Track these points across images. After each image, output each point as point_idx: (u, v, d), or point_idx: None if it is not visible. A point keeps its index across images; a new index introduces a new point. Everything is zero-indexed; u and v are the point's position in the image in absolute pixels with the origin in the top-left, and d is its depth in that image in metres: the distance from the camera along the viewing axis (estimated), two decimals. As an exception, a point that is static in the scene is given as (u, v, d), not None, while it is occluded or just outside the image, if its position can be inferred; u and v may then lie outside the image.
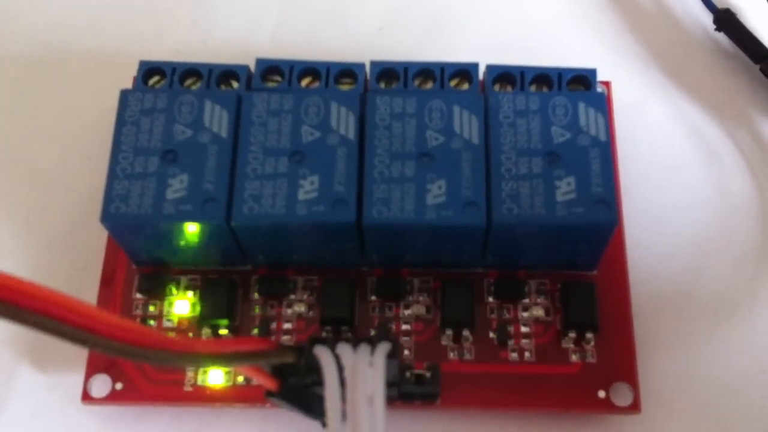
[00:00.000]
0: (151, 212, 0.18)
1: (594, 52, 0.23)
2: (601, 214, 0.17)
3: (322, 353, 0.16)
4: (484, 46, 0.23)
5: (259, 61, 0.20)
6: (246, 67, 0.20)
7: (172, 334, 0.19)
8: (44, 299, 0.14)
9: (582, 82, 0.20)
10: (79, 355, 0.19)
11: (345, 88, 0.20)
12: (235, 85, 0.20)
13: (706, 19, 0.23)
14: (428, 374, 0.17)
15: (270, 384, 0.16)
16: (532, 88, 0.20)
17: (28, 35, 0.23)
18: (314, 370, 0.16)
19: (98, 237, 0.20)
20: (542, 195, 0.18)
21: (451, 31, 0.23)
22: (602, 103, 0.19)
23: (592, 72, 0.20)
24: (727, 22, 0.22)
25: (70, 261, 0.21)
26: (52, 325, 0.14)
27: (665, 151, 0.21)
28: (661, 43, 0.23)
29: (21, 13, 0.23)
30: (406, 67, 0.20)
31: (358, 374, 0.15)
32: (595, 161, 0.18)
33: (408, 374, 0.18)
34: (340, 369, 0.15)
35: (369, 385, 0.15)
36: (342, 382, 0.15)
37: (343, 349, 0.16)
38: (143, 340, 0.14)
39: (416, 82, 0.20)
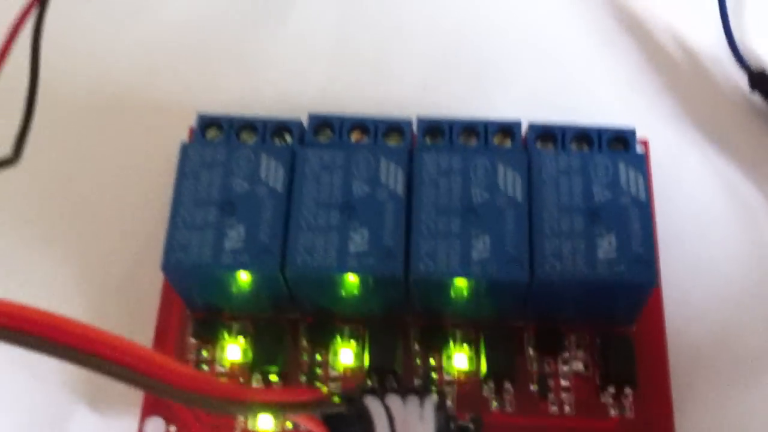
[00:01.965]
0: (210, 261, 0.19)
1: (631, 110, 0.23)
2: (641, 273, 0.18)
3: (373, 404, 0.17)
4: (525, 101, 0.23)
5: (312, 117, 0.21)
6: (299, 122, 0.21)
7: (223, 379, 0.20)
8: (102, 342, 0.15)
9: (621, 141, 0.20)
10: (134, 397, 0.20)
11: (393, 143, 0.21)
12: (288, 138, 0.21)
13: (742, 79, 0.23)
14: (471, 426, 0.18)
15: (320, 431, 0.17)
16: (573, 146, 0.20)
17: (88, 83, 0.24)
18: (364, 420, 0.16)
19: (153, 282, 0.21)
20: (584, 253, 0.18)
21: (493, 87, 0.24)
22: (642, 165, 0.19)
23: (632, 132, 0.20)
24: (762, 82, 0.23)
25: (125, 305, 0.21)
26: (109, 367, 0.15)
27: (701, 207, 0.22)
28: (697, 101, 0.23)
29: (81, 62, 0.24)
30: (451, 123, 0.21)
31: (410, 427, 0.16)
32: (635, 221, 0.19)
33: (452, 426, 0.18)
34: (391, 420, 0.16)
35: (419, 437, 0.16)
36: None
37: (393, 401, 0.17)
38: (199, 386, 0.15)
39: (461, 138, 0.21)
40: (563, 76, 0.24)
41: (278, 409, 0.16)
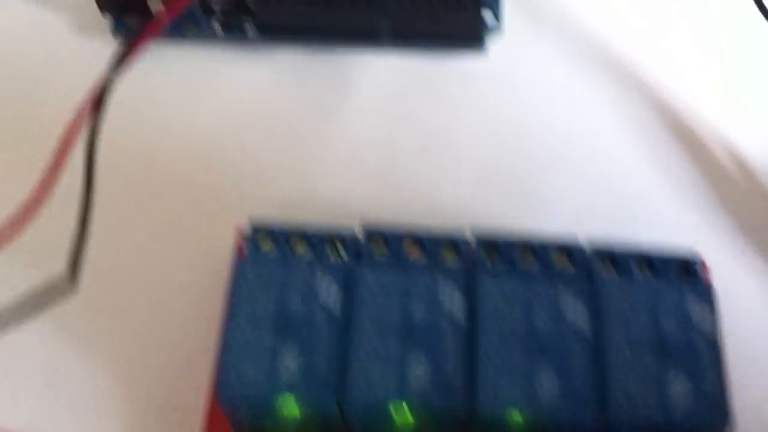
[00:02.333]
0: (265, 392, 0.18)
1: (686, 225, 0.23)
2: (715, 416, 0.18)
3: None
4: (576, 215, 0.23)
5: (366, 230, 0.20)
6: (352, 233, 0.20)
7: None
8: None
9: (685, 266, 0.20)
10: None
11: (448, 257, 0.20)
12: (342, 250, 0.20)
13: (800, 194, 0.23)
14: None
15: None
16: (635, 269, 0.20)
17: (137, 186, 0.24)
18: None
19: (196, 399, 0.21)
20: (654, 393, 0.18)
21: (544, 199, 0.23)
22: (711, 298, 0.19)
23: (695, 257, 0.20)
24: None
25: (167, 421, 0.21)
26: None
27: (762, 334, 0.21)
28: (757, 222, 0.23)
29: (131, 165, 0.24)
30: (508, 241, 0.20)
31: None
32: (705, 359, 0.18)
33: None
34: None
35: None
36: None
37: None
38: None
39: (518, 255, 0.20)
40: (614, 189, 0.23)
41: None
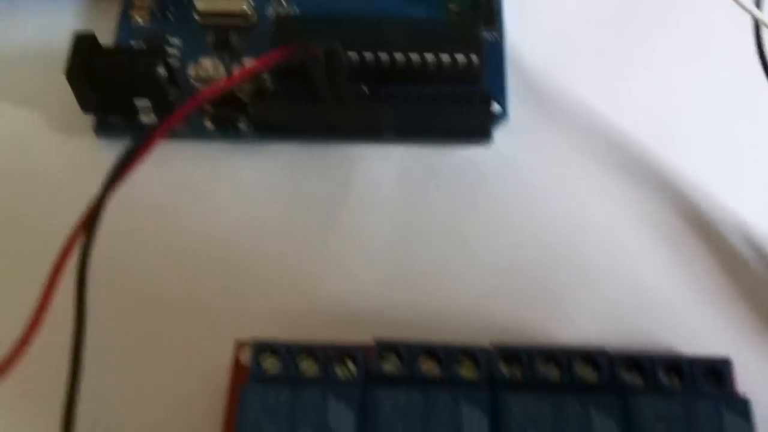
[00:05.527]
0: None
1: (712, 327, 0.22)
2: None
3: None
4: (597, 319, 0.22)
5: (379, 344, 0.19)
6: (360, 352, 0.19)
7: None
8: None
9: (714, 372, 0.19)
10: None
11: (466, 370, 0.19)
12: (351, 366, 0.19)
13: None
14: None
15: None
16: (662, 376, 0.19)
17: (133, 306, 0.22)
18: None
19: None
20: None
21: (563, 306, 0.22)
22: (748, 413, 0.18)
23: (725, 363, 0.19)
24: None
25: None
26: None
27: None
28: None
29: (124, 285, 0.22)
30: (530, 352, 0.19)
31: None
32: (747, 481, 0.17)
33: None
34: None
35: None
36: None
37: None
38: None
39: (541, 367, 0.19)
40: (635, 289, 0.22)
41: None
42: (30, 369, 0.18)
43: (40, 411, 0.19)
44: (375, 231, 0.23)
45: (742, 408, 0.18)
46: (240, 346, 0.21)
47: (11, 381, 0.17)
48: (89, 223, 0.18)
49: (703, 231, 0.23)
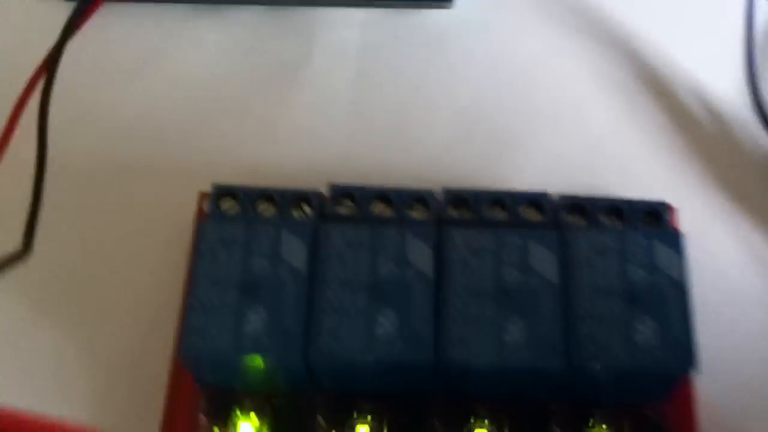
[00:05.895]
0: (230, 347, 0.18)
1: (658, 177, 0.23)
2: (681, 359, 0.18)
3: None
4: (547, 168, 0.23)
5: (333, 187, 0.20)
6: (318, 192, 0.20)
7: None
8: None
9: (653, 214, 0.20)
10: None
11: (417, 214, 0.20)
12: (307, 209, 0.20)
13: (769, 143, 0.23)
14: None
15: None
16: (604, 218, 0.20)
17: (95, 155, 0.23)
18: None
19: (163, 359, 0.20)
20: (622, 338, 0.18)
21: (514, 154, 0.23)
22: (679, 244, 0.19)
23: (663, 205, 0.20)
24: (791, 149, 0.22)
25: (135, 383, 0.20)
26: None
27: (732, 282, 0.21)
28: (725, 168, 0.23)
29: (87, 134, 0.23)
30: (477, 195, 0.20)
31: None
32: (673, 303, 0.18)
33: None
34: None
35: None
36: None
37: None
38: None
39: (487, 210, 0.20)
40: (587, 142, 0.23)
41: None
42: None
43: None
44: (337, 89, 0.24)
45: (674, 241, 0.19)
46: (203, 196, 0.22)
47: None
48: (50, 66, 0.18)
49: (656, 89, 0.24)
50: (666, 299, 0.18)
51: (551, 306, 0.18)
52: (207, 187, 0.21)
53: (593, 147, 0.23)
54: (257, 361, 0.18)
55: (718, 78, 0.24)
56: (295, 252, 0.19)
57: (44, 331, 0.21)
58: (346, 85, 0.24)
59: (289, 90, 0.24)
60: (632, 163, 0.23)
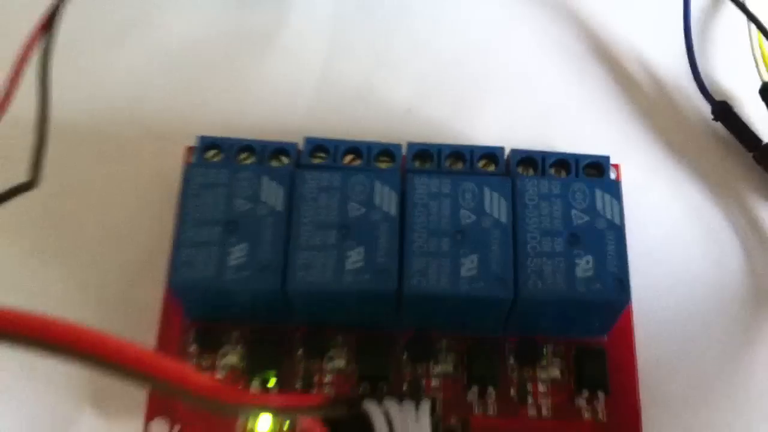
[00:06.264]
0: (214, 277, 0.20)
1: (604, 135, 0.25)
2: (616, 292, 0.20)
3: (372, 408, 0.18)
4: (504, 127, 0.25)
5: (308, 140, 0.22)
6: (294, 145, 0.22)
7: (238, 386, 0.21)
8: (118, 349, 0.16)
9: (597, 167, 0.22)
10: (138, 399, 0.21)
11: (383, 165, 0.22)
12: (285, 160, 0.22)
13: (706, 109, 0.25)
14: (460, 428, 0.20)
15: (321, 433, 0.18)
16: (552, 170, 0.22)
17: (89, 110, 0.25)
18: (365, 423, 0.18)
19: (155, 293, 0.22)
20: (563, 272, 0.20)
21: (474, 114, 0.25)
22: (617, 191, 0.21)
23: (606, 159, 0.22)
24: (724, 113, 0.25)
25: (130, 315, 0.22)
26: (134, 373, 0.16)
27: (668, 229, 0.24)
28: (665, 129, 0.25)
29: (83, 91, 0.25)
30: (439, 149, 0.22)
31: (408, 428, 0.17)
32: (610, 243, 0.20)
33: (440, 429, 0.20)
34: (390, 422, 0.18)
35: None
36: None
37: (390, 405, 0.18)
38: (215, 392, 0.16)
39: (448, 162, 0.22)
40: (540, 103, 0.26)
41: (287, 411, 0.17)
42: None
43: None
44: (311, 52, 0.26)
45: (613, 189, 0.21)
46: (190, 150, 0.24)
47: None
48: (49, 21, 0.20)
49: (604, 57, 0.26)
50: (604, 239, 0.20)
51: (502, 244, 0.20)
52: (192, 142, 0.24)
53: (545, 108, 0.25)
54: (239, 290, 0.20)
55: (660, 47, 0.26)
56: (273, 194, 0.21)
57: (40, 262, 0.23)
58: (319, 47, 0.26)
59: (266, 53, 0.26)
60: (581, 124, 0.25)
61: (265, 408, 0.17)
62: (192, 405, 0.20)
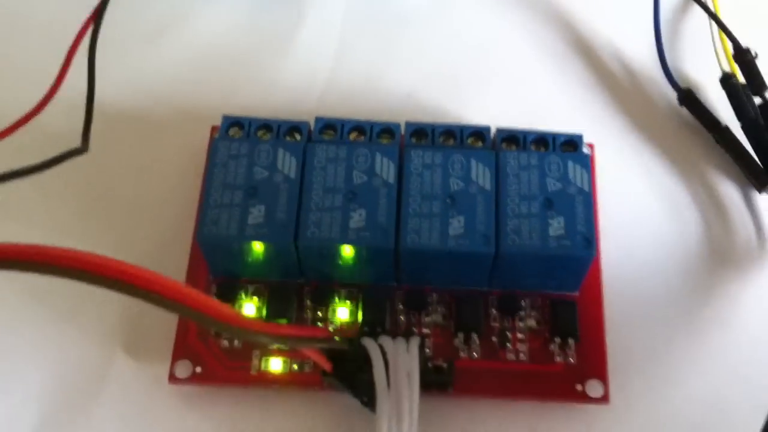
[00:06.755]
0: (236, 234, 0.23)
1: (581, 119, 0.28)
2: (583, 248, 0.23)
3: (369, 342, 0.21)
4: (493, 110, 0.28)
5: (318, 119, 0.25)
6: (306, 123, 0.25)
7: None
8: (163, 284, 0.19)
9: (572, 144, 0.25)
10: (166, 344, 0.24)
11: (385, 142, 0.25)
12: (298, 136, 0.25)
13: (672, 95, 0.28)
14: (445, 366, 0.23)
15: (326, 366, 0.22)
16: (532, 147, 0.25)
17: (128, 91, 0.29)
18: (363, 354, 0.21)
19: (182, 253, 0.25)
20: (538, 231, 0.23)
21: (467, 99, 0.29)
22: (587, 163, 0.24)
23: (579, 137, 0.25)
24: (689, 99, 0.28)
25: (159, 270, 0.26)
26: (173, 305, 0.19)
27: (637, 201, 0.27)
28: (636, 113, 0.28)
29: (123, 74, 0.29)
30: (433, 127, 0.25)
31: (399, 357, 0.20)
32: (579, 206, 0.23)
33: (429, 365, 0.23)
34: (384, 353, 0.21)
35: (406, 365, 0.20)
36: (385, 364, 0.20)
37: (385, 340, 0.21)
38: (240, 322, 0.19)
39: (441, 139, 0.25)
40: (524, 90, 0.29)
41: (294, 341, 0.20)
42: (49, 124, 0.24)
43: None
44: (323, 46, 0.30)
45: (584, 161, 0.24)
46: (214, 129, 0.27)
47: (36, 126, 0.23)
48: (98, 12, 0.23)
49: (582, 51, 0.30)
50: (574, 203, 0.23)
51: (485, 207, 0.23)
52: (218, 123, 0.27)
53: (529, 96, 0.29)
54: (257, 246, 0.23)
55: (633, 42, 0.29)
56: (288, 164, 0.24)
57: (80, 222, 0.26)
58: (330, 42, 0.30)
59: (283, 47, 0.30)
60: (561, 109, 0.28)
61: (277, 335, 0.20)
62: (216, 330, 0.23)
